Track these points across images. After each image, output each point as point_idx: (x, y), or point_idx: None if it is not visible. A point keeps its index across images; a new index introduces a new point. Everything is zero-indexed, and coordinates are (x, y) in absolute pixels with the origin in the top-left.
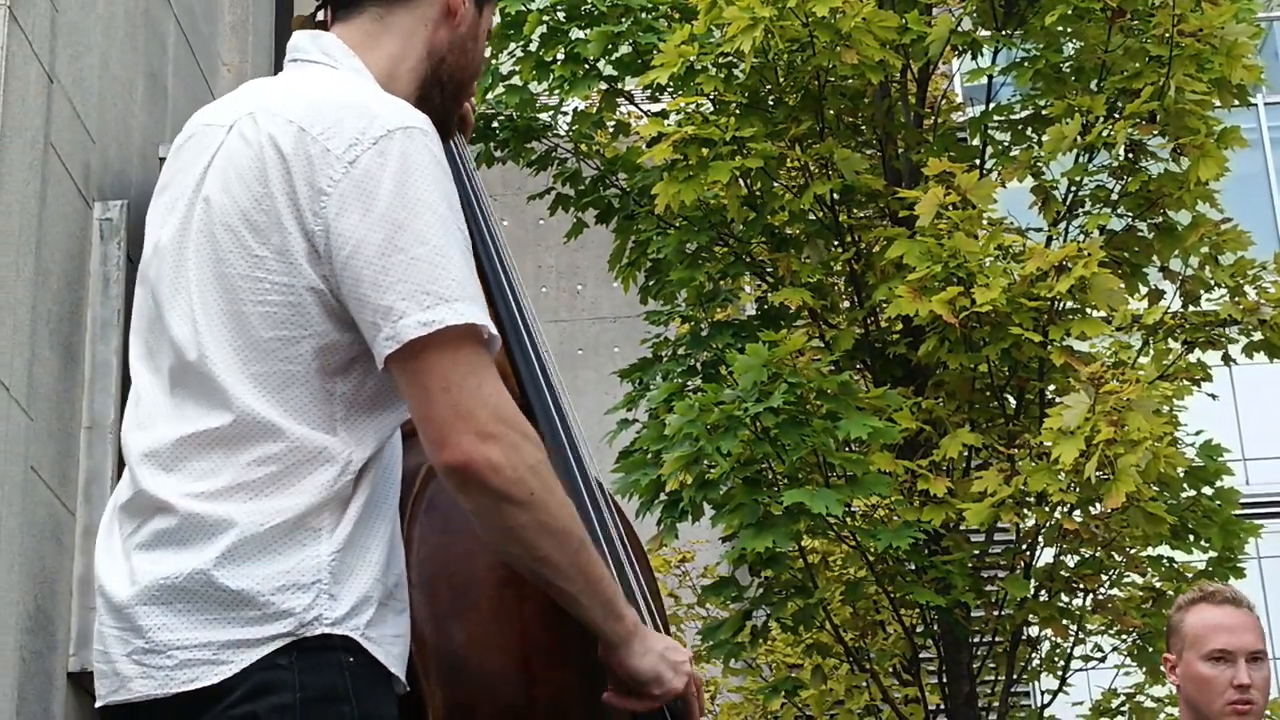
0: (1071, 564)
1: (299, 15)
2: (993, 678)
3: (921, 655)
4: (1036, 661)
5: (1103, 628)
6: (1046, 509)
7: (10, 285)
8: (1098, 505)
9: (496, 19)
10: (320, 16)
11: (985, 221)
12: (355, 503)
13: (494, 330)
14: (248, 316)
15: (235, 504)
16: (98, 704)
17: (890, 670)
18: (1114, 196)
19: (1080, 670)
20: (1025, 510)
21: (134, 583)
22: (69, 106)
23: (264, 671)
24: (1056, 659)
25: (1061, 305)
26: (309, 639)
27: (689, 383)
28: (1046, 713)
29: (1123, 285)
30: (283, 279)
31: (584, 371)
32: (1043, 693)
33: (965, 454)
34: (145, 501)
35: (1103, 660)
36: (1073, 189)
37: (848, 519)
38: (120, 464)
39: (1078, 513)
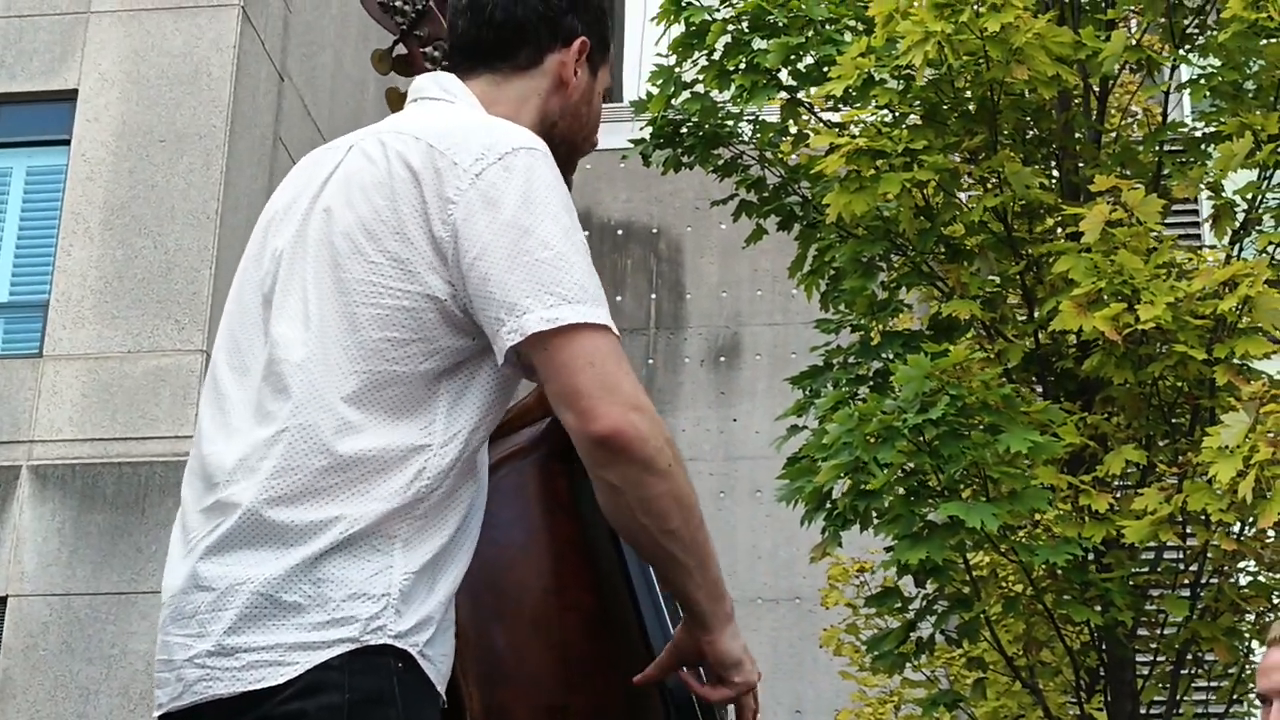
0: (1243, 584)
1: (392, 88)
2: (1164, 698)
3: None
4: (1206, 682)
5: None
6: (1210, 528)
7: None
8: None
9: (609, 80)
10: (405, 90)
11: (1153, 238)
12: (442, 533)
13: (616, 330)
14: (359, 318)
15: (309, 510)
16: (157, 713)
17: (1062, 688)
18: None
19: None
20: (1188, 529)
21: (201, 588)
22: (299, 103)
23: (317, 672)
24: (1227, 680)
25: (1231, 323)
26: (369, 646)
27: (857, 392)
28: None
29: None
30: (398, 284)
31: None
32: (1216, 715)
33: (1133, 471)
34: (222, 506)
35: None
36: (1248, 207)
37: (1007, 534)
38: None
39: (1246, 532)
